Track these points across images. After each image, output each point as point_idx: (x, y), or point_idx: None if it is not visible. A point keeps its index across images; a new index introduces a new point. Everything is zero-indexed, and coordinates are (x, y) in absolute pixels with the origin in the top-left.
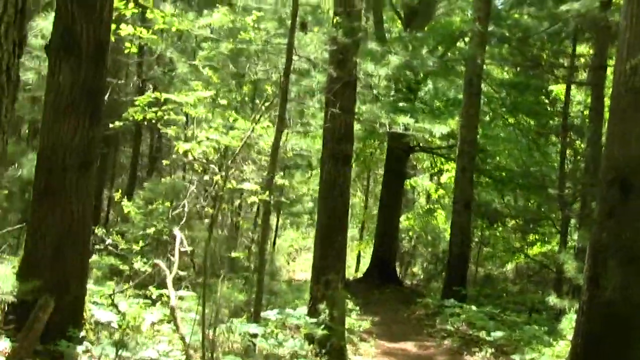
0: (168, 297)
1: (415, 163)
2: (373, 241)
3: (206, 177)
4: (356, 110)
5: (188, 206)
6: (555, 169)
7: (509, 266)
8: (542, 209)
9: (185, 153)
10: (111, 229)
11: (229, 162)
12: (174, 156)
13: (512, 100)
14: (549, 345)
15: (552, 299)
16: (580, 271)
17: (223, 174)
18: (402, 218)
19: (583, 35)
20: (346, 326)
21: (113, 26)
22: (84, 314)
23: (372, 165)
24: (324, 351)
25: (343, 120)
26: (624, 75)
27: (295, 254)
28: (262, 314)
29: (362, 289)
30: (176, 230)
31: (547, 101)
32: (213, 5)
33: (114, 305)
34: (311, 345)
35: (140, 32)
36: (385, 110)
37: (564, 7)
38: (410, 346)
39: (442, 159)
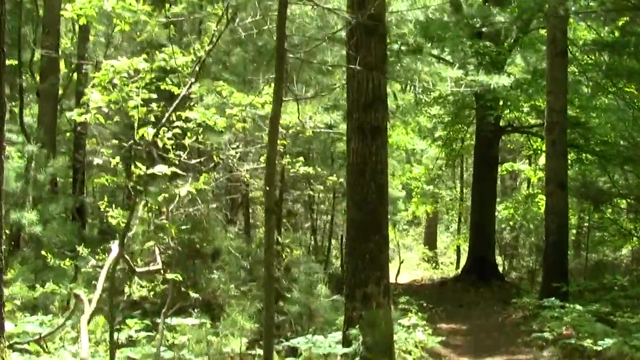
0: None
1: (511, 147)
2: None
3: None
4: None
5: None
6: None
7: (624, 251)
8: None
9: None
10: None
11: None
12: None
13: (608, 64)
14: None
15: None
16: None
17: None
18: (501, 207)
19: None
20: (413, 344)
21: None
22: None
23: (462, 152)
24: None
25: (370, 80)
26: None
27: (393, 255)
28: (285, 343)
29: (459, 289)
30: (114, 245)
31: None
32: None
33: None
34: None
35: None
36: (424, 64)
37: None
38: None
39: (539, 139)
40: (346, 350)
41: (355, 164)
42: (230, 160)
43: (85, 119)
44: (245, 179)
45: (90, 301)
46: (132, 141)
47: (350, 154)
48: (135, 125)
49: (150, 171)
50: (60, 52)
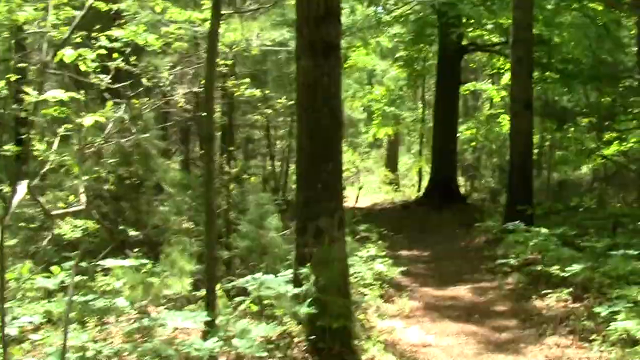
0: None
1: (474, 66)
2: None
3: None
4: None
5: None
6: (630, 55)
7: (584, 169)
8: (617, 103)
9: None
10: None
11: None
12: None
13: None
14: None
15: None
16: None
17: None
18: (463, 127)
19: None
20: (372, 277)
21: None
22: None
23: (424, 72)
24: (314, 337)
25: None
26: None
27: (354, 179)
28: (233, 283)
29: (420, 213)
30: (21, 185)
31: None
32: None
33: None
34: (299, 327)
35: None
36: None
37: None
38: (463, 291)
39: (502, 58)
40: (297, 290)
41: (305, 86)
42: (163, 84)
43: None
44: (180, 105)
45: None
46: (39, 64)
47: (300, 74)
48: (45, 45)
49: (42, 97)
50: None
